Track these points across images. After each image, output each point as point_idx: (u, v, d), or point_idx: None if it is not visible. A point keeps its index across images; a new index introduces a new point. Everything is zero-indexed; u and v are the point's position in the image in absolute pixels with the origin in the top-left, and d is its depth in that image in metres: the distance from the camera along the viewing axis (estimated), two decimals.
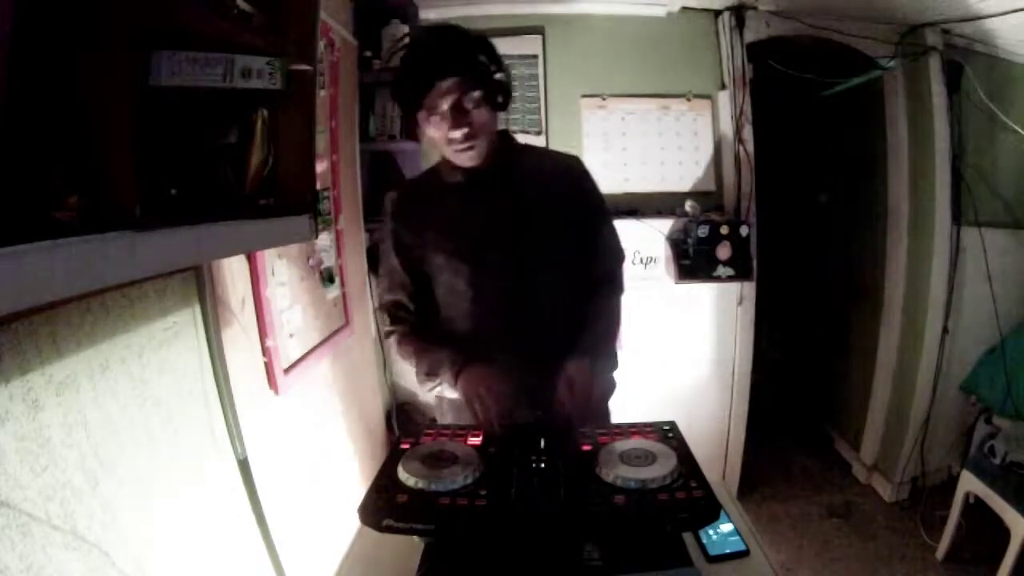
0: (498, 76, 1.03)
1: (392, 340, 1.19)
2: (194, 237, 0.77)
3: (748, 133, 2.32)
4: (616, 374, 1.25)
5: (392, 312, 1.19)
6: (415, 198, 1.18)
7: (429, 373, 1.11)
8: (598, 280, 1.19)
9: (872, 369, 2.71)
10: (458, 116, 0.99)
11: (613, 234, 1.24)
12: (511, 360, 1.10)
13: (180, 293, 1.03)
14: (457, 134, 1.00)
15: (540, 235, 1.11)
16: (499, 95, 1.04)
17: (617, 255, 1.25)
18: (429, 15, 2.23)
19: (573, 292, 1.15)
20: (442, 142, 1.04)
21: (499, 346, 1.10)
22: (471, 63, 0.99)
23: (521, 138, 1.27)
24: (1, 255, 0.49)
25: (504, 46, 1.09)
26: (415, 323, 1.18)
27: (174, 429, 0.98)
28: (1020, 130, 2.31)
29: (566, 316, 1.13)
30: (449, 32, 1.02)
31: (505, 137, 1.16)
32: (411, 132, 2.23)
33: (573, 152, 1.27)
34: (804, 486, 2.72)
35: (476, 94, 0.99)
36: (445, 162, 1.13)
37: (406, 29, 2.13)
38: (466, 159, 1.06)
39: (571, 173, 1.18)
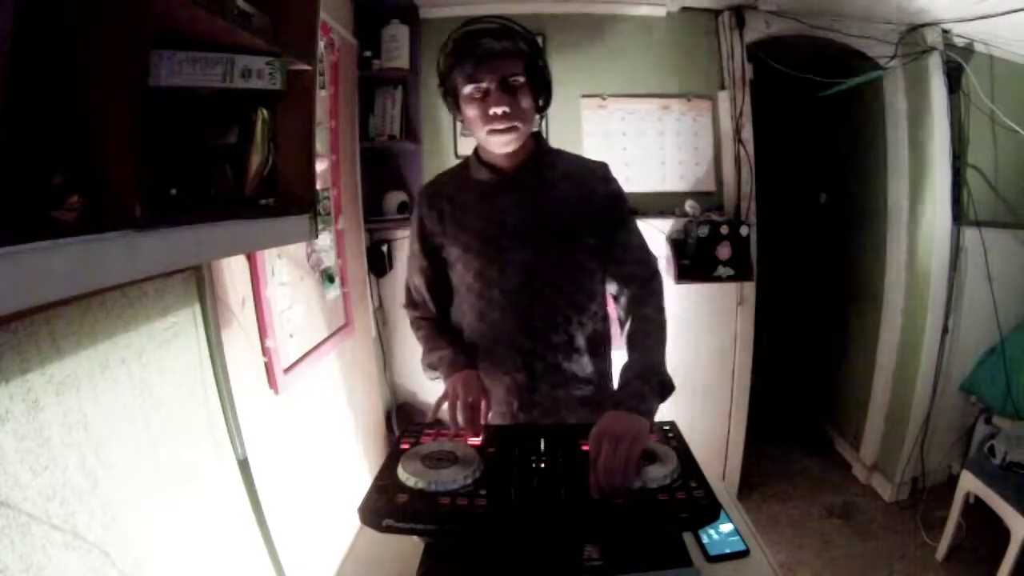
0: (545, 75, 1.08)
1: (409, 319, 1.26)
2: (194, 237, 0.78)
3: (748, 133, 2.32)
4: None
5: (409, 294, 1.25)
6: (442, 188, 1.19)
7: (431, 365, 1.15)
8: (633, 292, 1.14)
9: (872, 369, 2.71)
10: (503, 94, 1.00)
11: (638, 241, 1.18)
12: (511, 357, 1.12)
13: (180, 293, 1.03)
14: (499, 110, 1.00)
15: (556, 239, 1.10)
16: (542, 93, 1.08)
17: (645, 263, 1.16)
18: (429, 15, 2.23)
19: (584, 298, 1.13)
20: (481, 122, 1.03)
21: (501, 341, 1.12)
22: (526, 51, 1.03)
23: None
24: (1, 255, 0.49)
25: None
26: (432, 309, 1.22)
27: (174, 429, 0.98)
28: (1020, 130, 2.31)
29: (572, 322, 1.12)
30: (508, 20, 1.05)
31: (537, 139, 1.15)
32: (411, 132, 2.24)
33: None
34: (804, 486, 2.72)
35: (525, 79, 1.02)
36: (476, 157, 1.14)
37: (406, 29, 2.14)
38: (502, 143, 1.05)
39: (595, 179, 1.15)
